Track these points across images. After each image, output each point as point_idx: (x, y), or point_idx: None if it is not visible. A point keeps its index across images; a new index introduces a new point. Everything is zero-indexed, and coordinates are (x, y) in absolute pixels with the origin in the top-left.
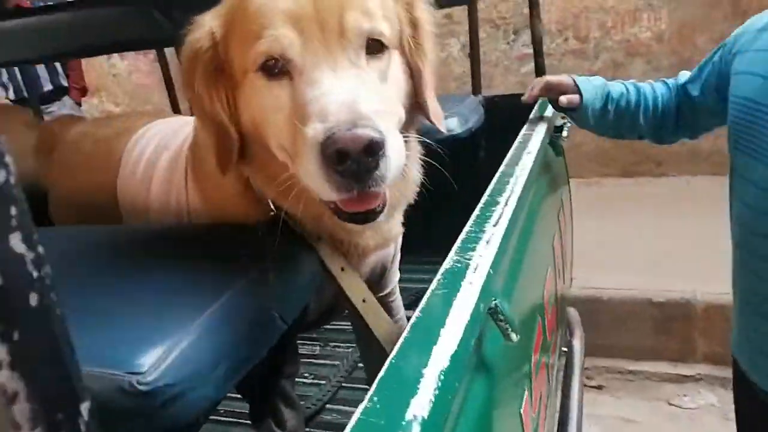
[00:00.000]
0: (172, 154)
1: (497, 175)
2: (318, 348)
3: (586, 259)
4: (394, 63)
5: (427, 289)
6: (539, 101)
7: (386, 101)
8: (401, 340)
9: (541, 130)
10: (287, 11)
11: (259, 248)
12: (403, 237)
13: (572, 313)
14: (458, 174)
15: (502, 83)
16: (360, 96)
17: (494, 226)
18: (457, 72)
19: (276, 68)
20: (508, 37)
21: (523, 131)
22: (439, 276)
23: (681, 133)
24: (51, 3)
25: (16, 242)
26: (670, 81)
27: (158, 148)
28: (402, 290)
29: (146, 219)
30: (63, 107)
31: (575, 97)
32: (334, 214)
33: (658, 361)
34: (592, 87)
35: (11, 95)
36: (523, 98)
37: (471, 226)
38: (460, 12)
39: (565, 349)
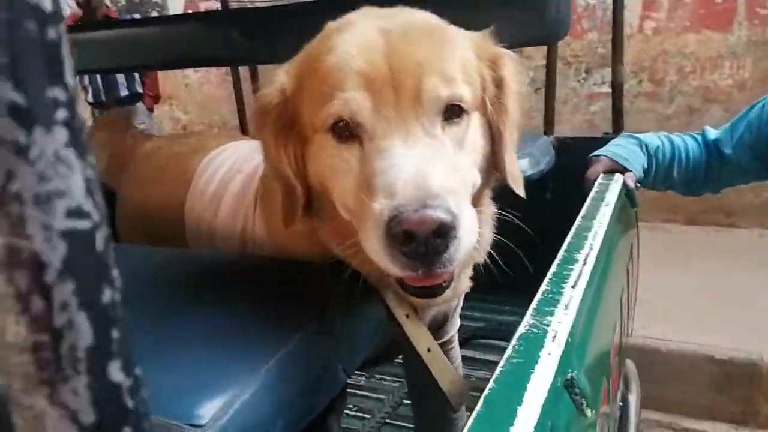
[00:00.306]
0: (245, 179)
1: (574, 228)
2: (363, 379)
3: (647, 307)
4: (472, 127)
5: (480, 329)
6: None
7: (461, 172)
8: (474, 415)
9: (618, 179)
10: (361, 72)
11: (326, 293)
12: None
13: (630, 366)
14: (523, 214)
15: (569, 121)
16: (432, 170)
17: (573, 287)
18: (526, 107)
19: (347, 131)
20: (579, 75)
21: (599, 180)
22: (514, 342)
23: (708, 186)
24: (137, 17)
25: (114, 371)
26: (698, 135)
27: (231, 170)
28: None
29: (209, 241)
30: (136, 112)
31: (633, 175)
32: (398, 285)
33: (716, 421)
34: (636, 157)
35: (90, 98)
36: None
37: (548, 286)
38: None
39: (621, 404)
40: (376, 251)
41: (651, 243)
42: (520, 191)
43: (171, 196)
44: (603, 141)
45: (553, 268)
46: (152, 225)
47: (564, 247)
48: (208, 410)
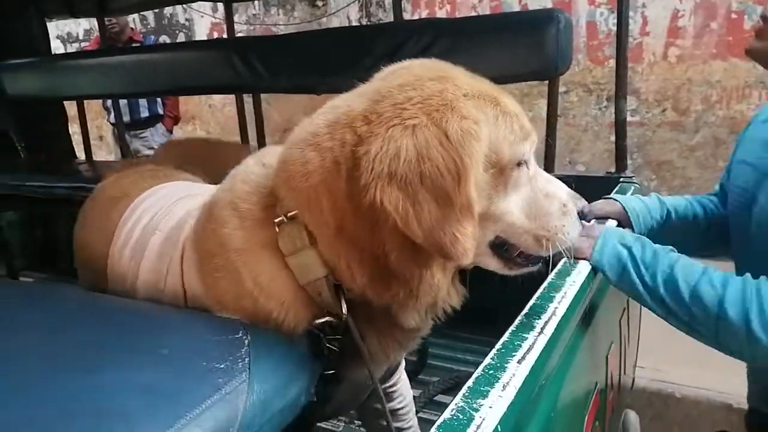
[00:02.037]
0: (164, 241)
1: (543, 286)
2: (342, 425)
3: (658, 347)
4: None
5: (471, 375)
6: (617, 187)
7: None
8: None
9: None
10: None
11: (240, 358)
12: (455, 311)
13: (631, 419)
14: None
15: (590, 149)
16: None
17: (519, 363)
18: (543, 134)
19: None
20: (600, 102)
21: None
22: (433, 430)
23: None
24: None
25: None
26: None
27: (148, 228)
28: (442, 371)
29: None
30: (155, 134)
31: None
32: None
33: None
34: (646, 217)
35: (111, 119)
36: None
37: (492, 359)
38: None
39: None
40: (573, 236)
41: None
42: None
43: (101, 250)
44: (606, 180)
45: (506, 335)
46: (91, 270)
47: (525, 309)
48: None
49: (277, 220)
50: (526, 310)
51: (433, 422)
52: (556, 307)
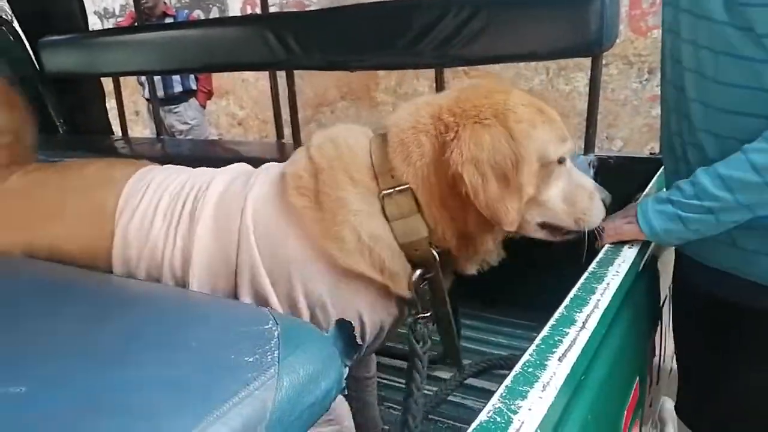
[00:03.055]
0: (217, 228)
1: (583, 277)
2: None
3: None
4: None
5: (503, 358)
6: (660, 170)
7: None
8: None
9: None
10: None
11: (269, 351)
12: (488, 294)
13: (668, 407)
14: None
15: (628, 124)
16: None
17: (560, 360)
18: (581, 107)
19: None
20: (641, 75)
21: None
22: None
23: None
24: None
25: None
26: None
27: (178, 209)
28: (474, 354)
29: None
30: (189, 109)
31: None
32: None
33: None
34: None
35: (146, 94)
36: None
37: (531, 356)
38: None
39: None
40: (598, 216)
41: None
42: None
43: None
44: (648, 162)
45: (545, 330)
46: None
47: (566, 301)
48: None
49: (386, 192)
50: (566, 301)
51: (464, 406)
52: (598, 299)
